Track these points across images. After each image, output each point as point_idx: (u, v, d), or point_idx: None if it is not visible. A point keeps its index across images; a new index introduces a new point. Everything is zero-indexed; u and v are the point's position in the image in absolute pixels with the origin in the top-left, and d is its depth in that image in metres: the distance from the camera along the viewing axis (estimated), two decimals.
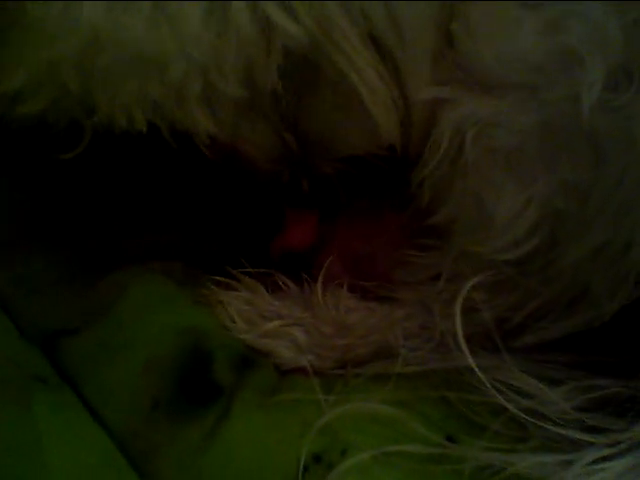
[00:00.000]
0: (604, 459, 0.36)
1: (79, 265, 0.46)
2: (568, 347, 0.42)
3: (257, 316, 0.47)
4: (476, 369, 0.38)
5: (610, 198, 0.37)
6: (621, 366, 0.41)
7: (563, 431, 0.37)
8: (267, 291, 0.48)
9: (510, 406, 0.38)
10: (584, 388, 0.39)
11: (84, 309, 0.44)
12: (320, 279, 0.48)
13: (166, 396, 0.41)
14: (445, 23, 0.40)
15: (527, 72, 0.39)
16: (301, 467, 0.38)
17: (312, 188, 0.47)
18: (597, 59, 0.37)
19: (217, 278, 0.48)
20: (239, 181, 0.49)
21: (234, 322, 0.47)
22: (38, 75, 0.37)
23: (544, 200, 0.39)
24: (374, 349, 0.46)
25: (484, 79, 0.40)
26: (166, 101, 0.38)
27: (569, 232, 0.39)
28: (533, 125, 0.39)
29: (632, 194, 0.37)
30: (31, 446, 0.37)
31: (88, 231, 0.47)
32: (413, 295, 0.46)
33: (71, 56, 0.36)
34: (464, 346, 0.40)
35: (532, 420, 0.37)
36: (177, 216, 0.50)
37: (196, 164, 0.49)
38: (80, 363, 0.42)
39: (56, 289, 0.45)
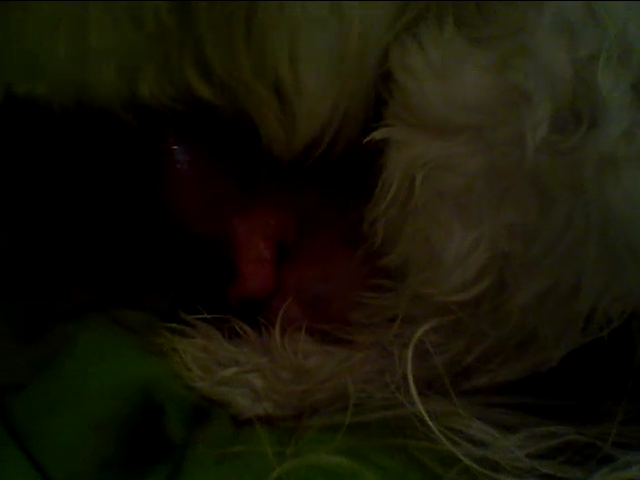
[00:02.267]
0: None
1: (26, 317, 0.45)
2: (524, 390, 0.41)
3: (213, 363, 0.46)
4: (426, 418, 0.37)
5: (556, 242, 0.37)
6: (577, 410, 0.40)
7: None
8: (224, 337, 0.47)
9: (463, 457, 0.37)
10: (540, 435, 0.38)
11: (29, 362, 0.42)
12: (278, 323, 0.47)
13: (115, 455, 0.40)
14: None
15: (473, 112, 0.39)
16: None
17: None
18: (544, 97, 0.37)
19: (172, 325, 0.47)
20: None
21: (189, 370, 0.46)
22: None
23: (491, 242, 0.38)
24: (333, 394, 0.45)
25: (431, 121, 0.40)
26: None
27: (516, 275, 0.38)
28: (480, 168, 0.38)
29: (578, 239, 0.36)
30: None
31: (35, 282, 0.46)
32: (371, 338, 0.45)
33: None
34: (414, 392, 0.39)
35: (486, 472, 0.36)
36: (131, 264, 0.49)
37: (149, 210, 0.48)
38: (26, 420, 0.41)
39: (1, 343, 0.44)
